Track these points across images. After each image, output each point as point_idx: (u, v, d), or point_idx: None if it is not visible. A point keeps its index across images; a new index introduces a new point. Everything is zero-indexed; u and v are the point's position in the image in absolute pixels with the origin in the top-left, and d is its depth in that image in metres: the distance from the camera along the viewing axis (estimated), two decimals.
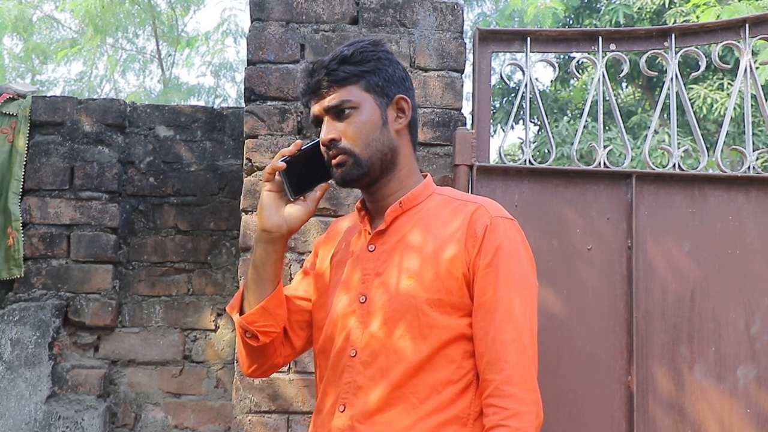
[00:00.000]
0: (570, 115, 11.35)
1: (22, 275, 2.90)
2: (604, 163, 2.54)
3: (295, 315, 1.62)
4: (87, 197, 2.98)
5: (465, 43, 2.57)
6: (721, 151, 2.69)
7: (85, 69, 12.34)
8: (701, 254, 2.52)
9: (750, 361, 2.48)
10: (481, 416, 1.41)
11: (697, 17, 8.58)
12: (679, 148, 2.58)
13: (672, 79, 2.58)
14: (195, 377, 2.98)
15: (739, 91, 2.62)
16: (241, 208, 2.48)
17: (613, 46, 2.62)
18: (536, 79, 14.70)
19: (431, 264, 1.46)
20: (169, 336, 2.99)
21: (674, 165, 2.56)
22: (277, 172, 1.51)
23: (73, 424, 2.84)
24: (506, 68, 3.66)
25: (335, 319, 1.53)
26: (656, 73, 2.78)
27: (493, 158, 2.92)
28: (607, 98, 2.69)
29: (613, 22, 9.72)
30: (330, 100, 1.51)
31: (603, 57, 2.60)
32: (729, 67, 2.96)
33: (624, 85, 11.66)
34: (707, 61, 2.69)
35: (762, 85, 3.63)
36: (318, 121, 1.54)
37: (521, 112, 4.80)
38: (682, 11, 9.23)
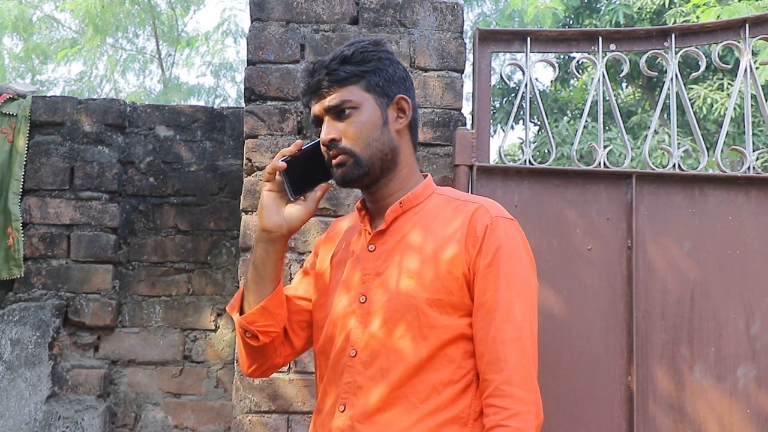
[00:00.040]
0: (570, 115, 11.36)
1: (22, 275, 2.90)
2: (604, 163, 2.54)
3: (295, 315, 1.62)
4: (87, 197, 2.98)
5: (465, 43, 2.57)
6: (721, 151, 2.69)
7: (85, 69, 12.36)
8: (701, 254, 2.52)
9: (750, 361, 2.48)
10: (482, 416, 1.41)
11: (697, 17, 8.58)
12: (679, 148, 2.58)
13: (672, 79, 2.58)
14: (195, 377, 2.98)
15: (739, 91, 2.62)
16: (241, 208, 2.48)
17: (613, 46, 2.62)
18: (536, 79, 14.70)
19: (431, 264, 1.46)
20: (169, 336, 2.99)
21: (674, 165, 2.56)
22: (277, 172, 1.51)
23: (73, 424, 2.84)
24: (506, 68, 3.67)
25: (335, 319, 1.53)
26: (656, 73, 2.78)
27: (493, 158, 2.92)
28: (607, 98, 2.69)
29: (613, 22, 9.72)
30: (330, 100, 1.51)
31: (603, 57, 2.60)
32: (729, 67, 2.96)
33: (624, 85, 11.66)
34: (707, 61, 2.69)
35: (762, 85, 3.63)
36: (318, 121, 1.55)
37: (521, 112, 4.80)
38: (682, 11, 9.24)
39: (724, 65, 2.72)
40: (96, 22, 10.78)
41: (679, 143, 3.39)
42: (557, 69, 2.66)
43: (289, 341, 1.62)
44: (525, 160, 2.54)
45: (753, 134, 5.14)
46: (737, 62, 2.80)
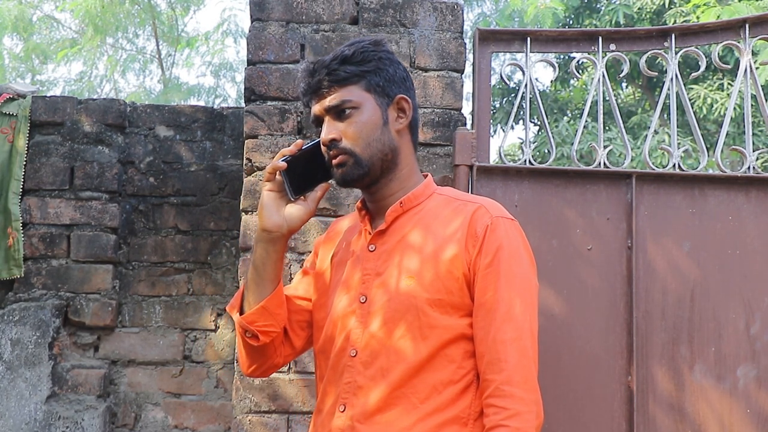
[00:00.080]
0: (570, 115, 11.36)
1: (22, 275, 2.90)
2: (604, 163, 2.54)
3: (295, 315, 1.62)
4: (87, 197, 2.98)
5: (465, 43, 2.57)
6: (721, 151, 2.69)
7: (85, 69, 12.35)
8: (701, 254, 2.52)
9: (750, 361, 2.48)
10: (482, 416, 1.41)
11: (697, 17, 8.58)
12: (679, 148, 2.58)
13: (672, 79, 2.58)
14: (195, 377, 2.98)
15: (739, 91, 2.62)
16: (241, 208, 2.48)
17: (613, 46, 2.62)
18: (536, 79, 14.70)
19: (431, 264, 1.46)
20: (169, 336, 2.99)
21: (674, 165, 2.56)
22: (277, 172, 1.51)
23: (73, 424, 2.84)
24: (506, 68, 3.67)
25: (335, 319, 1.53)
26: (656, 73, 2.78)
27: (493, 158, 2.92)
28: (607, 98, 2.69)
29: (613, 22, 9.72)
30: (331, 100, 1.51)
31: (603, 57, 2.60)
32: (729, 67, 2.96)
33: (624, 85, 11.66)
34: (707, 62, 2.69)
35: (762, 85, 3.63)
36: (318, 121, 1.54)
37: (521, 112, 4.80)
38: (682, 11, 9.24)
39: (724, 65, 2.72)
40: (96, 22, 10.78)
41: (679, 143, 3.39)
42: (557, 69, 2.66)
43: (289, 341, 1.62)
44: (525, 160, 2.54)
45: (753, 134, 5.14)
46: (737, 62, 2.80)
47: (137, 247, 3.03)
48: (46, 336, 2.87)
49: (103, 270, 2.96)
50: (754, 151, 2.58)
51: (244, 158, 2.49)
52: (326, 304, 1.58)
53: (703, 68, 2.66)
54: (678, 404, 2.46)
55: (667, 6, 9.63)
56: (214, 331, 3.00)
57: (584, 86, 10.96)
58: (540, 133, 11.09)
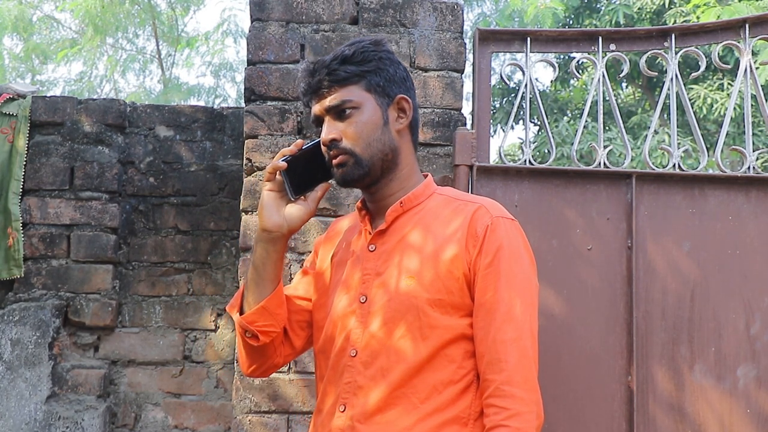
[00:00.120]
0: (570, 115, 11.36)
1: (22, 275, 2.90)
2: (604, 163, 2.54)
3: (295, 315, 1.62)
4: (87, 197, 2.98)
5: (465, 43, 2.57)
6: (721, 151, 2.69)
7: (85, 69, 12.35)
8: (701, 254, 2.52)
9: (750, 361, 2.48)
10: (482, 416, 1.41)
11: (697, 17, 8.58)
12: (679, 148, 2.58)
13: (672, 79, 2.58)
14: (195, 377, 2.98)
15: (739, 91, 2.62)
16: (241, 208, 2.48)
17: (613, 46, 2.62)
18: (536, 79, 14.70)
19: (432, 264, 1.46)
20: (169, 336, 2.99)
21: (674, 165, 2.56)
22: (277, 172, 1.51)
23: (73, 424, 2.84)
24: (506, 68, 3.67)
25: (335, 319, 1.53)
26: (656, 73, 2.78)
27: (493, 158, 2.92)
28: (607, 98, 2.69)
29: (613, 22, 9.73)
30: (331, 100, 1.51)
31: (603, 57, 2.60)
32: (729, 67, 2.96)
33: (624, 85, 11.66)
34: (707, 62, 2.69)
35: (762, 85, 3.63)
36: (319, 121, 1.54)
37: (521, 112, 4.80)
38: (682, 11, 9.24)
39: (724, 65, 2.72)
40: (96, 22, 10.78)
41: (679, 143, 3.39)
42: (557, 69, 2.66)
43: (289, 341, 1.62)
44: (525, 160, 2.54)
45: (753, 134, 5.14)
46: (737, 62, 2.80)
47: (137, 247, 3.03)
48: (46, 336, 2.87)
49: (103, 270, 2.96)
50: (754, 151, 2.58)
51: (244, 158, 2.49)
52: (326, 304, 1.58)
53: (703, 68, 2.66)
54: (678, 404, 2.46)
55: (667, 6, 9.63)
56: (214, 331, 3.00)
57: (584, 86, 10.96)
58: (540, 133, 11.09)
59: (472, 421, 1.42)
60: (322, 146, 1.52)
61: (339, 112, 1.50)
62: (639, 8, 9.80)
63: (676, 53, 2.60)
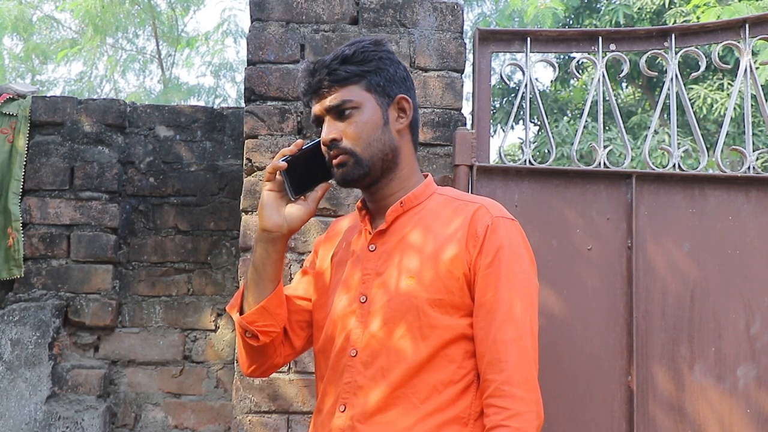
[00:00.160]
0: (570, 115, 11.36)
1: (22, 275, 2.90)
2: (604, 163, 2.54)
3: (295, 315, 1.62)
4: (87, 197, 2.98)
5: (465, 43, 2.57)
6: (721, 151, 2.69)
7: (85, 69, 12.35)
8: (701, 254, 2.52)
9: (750, 361, 2.48)
10: (482, 416, 1.41)
11: (698, 17, 8.58)
12: (679, 148, 2.58)
13: (672, 79, 2.58)
14: (195, 377, 2.98)
15: (739, 91, 2.62)
16: (241, 208, 2.48)
17: (613, 46, 2.62)
18: (536, 79, 14.70)
19: (432, 264, 1.46)
20: (169, 336, 2.99)
21: (674, 165, 2.56)
22: (277, 172, 1.51)
23: (73, 425, 2.83)
24: (506, 68, 3.67)
25: (335, 319, 1.53)
26: (656, 73, 2.78)
27: (493, 158, 2.92)
28: (607, 98, 2.69)
29: (613, 22, 9.73)
30: (331, 99, 1.51)
31: (603, 57, 2.60)
32: (729, 67, 2.96)
33: (624, 85, 11.66)
34: (707, 61, 2.69)
35: (762, 85, 3.63)
36: (319, 121, 1.54)
37: (521, 112, 4.80)
38: (682, 11, 9.24)
39: (724, 65, 2.72)
40: (96, 22, 10.78)
41: (679, 143, 3.39)
42: (557, 69, 2.66)
43: (289, 341, 1.62)
44: (525, 160, 2.54)
45: (753, 134, 5.14)
46: (737, 62, 2.80)
47: (137, 247, 3.03)
48: (46, 336, 2.87)
49: (103, 270, 2.96)
50: (754, 151, 2.58)
51: (244, 158, 2.49)
52: (326, 304, 1.58)
53: (703, 68, 2.66)
54: (678, 404, 2.46)
55: (667, 6, 9.63)
56: (214, 331, 3.00)
57: (584, 86, 10.96)
58: (540, 133, 11.09)
59: (473, 421, 1.42)
60: (322, 146, 1.52)
61: (339, 112, 1.51)
62: (639, 8, 9.81)
63: (676, 53, 2.60)
